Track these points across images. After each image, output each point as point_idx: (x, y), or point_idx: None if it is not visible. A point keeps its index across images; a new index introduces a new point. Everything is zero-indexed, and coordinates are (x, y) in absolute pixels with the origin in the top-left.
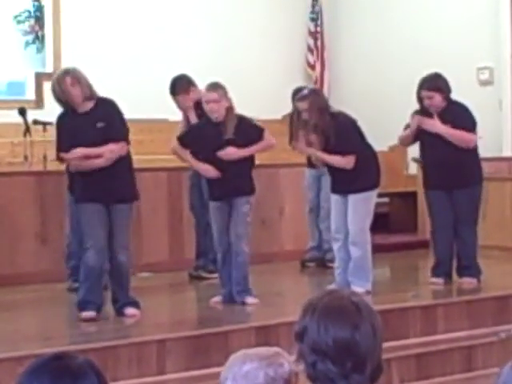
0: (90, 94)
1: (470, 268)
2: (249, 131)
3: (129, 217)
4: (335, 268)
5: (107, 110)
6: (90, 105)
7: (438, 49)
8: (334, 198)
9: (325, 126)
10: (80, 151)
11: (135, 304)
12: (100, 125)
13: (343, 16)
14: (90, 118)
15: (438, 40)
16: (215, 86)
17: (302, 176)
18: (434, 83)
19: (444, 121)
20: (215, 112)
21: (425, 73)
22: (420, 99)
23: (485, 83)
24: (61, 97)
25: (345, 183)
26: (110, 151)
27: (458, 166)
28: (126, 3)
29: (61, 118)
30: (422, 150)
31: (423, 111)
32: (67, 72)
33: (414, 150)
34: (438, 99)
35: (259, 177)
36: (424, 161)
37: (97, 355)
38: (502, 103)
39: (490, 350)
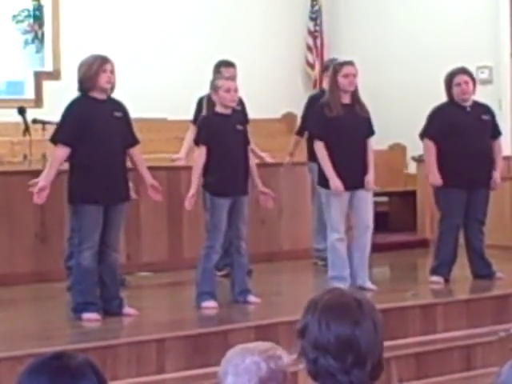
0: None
1: (491, 264)
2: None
3: (125, 216)
4: (342, 268)
5: (121, 105)
6: (105, 96)
7: (438, 48)
8: (343, 195)
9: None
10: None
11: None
12: (118, 114)
13: (343, 15)
14: (107, 106)
15: (437, 39)
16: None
17: (300, 175)
18: (470, 72)
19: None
20: (235, 101)
21: (424, 72)
22: (450, 89)
23: (484, 82)
24: (91, 75)
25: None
26: None
27: (490, 161)
28: (126, 3)
29: (76, 103)
30: (451, 143)
31: (451, 103)
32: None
33: (414, 149)
34: (471, 87)
35: (259, 176)
36: (451, 155)
37: (96, 354)
38: (502, 102)
39: (489, 349)
